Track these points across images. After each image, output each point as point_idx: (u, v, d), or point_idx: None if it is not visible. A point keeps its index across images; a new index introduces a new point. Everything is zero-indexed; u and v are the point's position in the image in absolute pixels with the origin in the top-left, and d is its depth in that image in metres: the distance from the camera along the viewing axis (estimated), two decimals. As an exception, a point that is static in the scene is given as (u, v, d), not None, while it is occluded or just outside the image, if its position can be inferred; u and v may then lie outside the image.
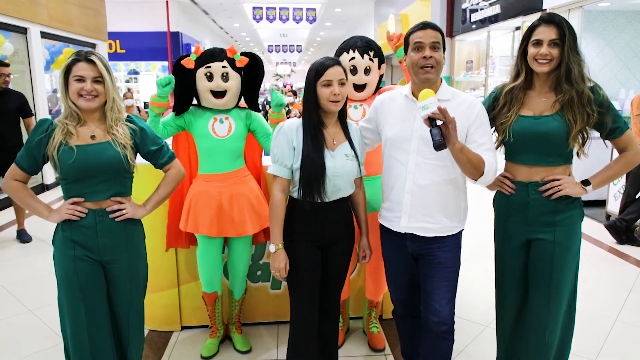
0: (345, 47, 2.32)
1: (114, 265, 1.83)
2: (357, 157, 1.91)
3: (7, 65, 4.33)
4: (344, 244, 1.99)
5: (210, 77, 2.25)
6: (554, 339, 1.89)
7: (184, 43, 13.05)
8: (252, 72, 2.37)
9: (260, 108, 2.48)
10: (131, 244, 1.86)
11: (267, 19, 13.89)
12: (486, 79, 7.89)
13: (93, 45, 8.13)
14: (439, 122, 1.61)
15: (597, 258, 3.98)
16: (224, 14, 15.29)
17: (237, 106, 2.39)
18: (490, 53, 7.81)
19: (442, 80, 1.84)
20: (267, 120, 2.48)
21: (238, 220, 2.31)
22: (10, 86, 4.54)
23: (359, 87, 2.33)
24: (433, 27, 1.76)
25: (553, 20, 1.74)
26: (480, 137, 1.75)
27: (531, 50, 1.78)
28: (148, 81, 12.52)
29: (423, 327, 1.90)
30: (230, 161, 2.34)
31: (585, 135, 1.78)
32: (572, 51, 1.73)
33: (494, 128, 1.90)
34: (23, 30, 6.16)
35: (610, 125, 1.78)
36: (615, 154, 1.88)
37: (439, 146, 1.60)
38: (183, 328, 2.79)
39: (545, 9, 5.85)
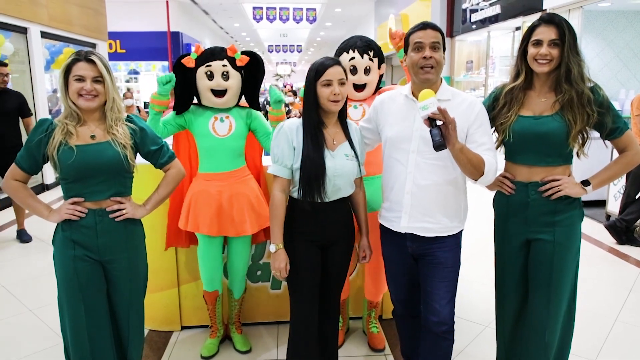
0: (345, 47, 2.32)
1: (114, 265, 1.83)
2: (357, 157, 1.91)
3: (6, 65, 4.32)
4: (344, 244, 1.99)
5: (210, 76, 2.25)
6: (554, 339, 1.89)
7: (184, 43, 13.05)
8: (252, 71, 2.37)
9: (261, 108, 2.48)
10: (131, 243, 1.87)
11: (267, 19, 13.89)
12: (486, 79, 7.89)
13: (93, 45, 8.14)
14: (438, 123, 1.61)
15: (597, 258, 3.98)
16: (224, 14, 15.29)
17: (237, 105, 2.40)
18: (491, 53, 7.81)
19: (442, 80, 1.84)
20: (267, 119, 2.48)
21: (238, 220, 2.31)
22: (10, 86, 4.54)
23: (359, 87, 2.33)
24: (433, 27, 1.76)
25: (553, 20, 1.74)
26: (481, 137, 1.75)
27: (531, 50, 1.78)
28: (148, 81, 12.52)
29: (423, 327, 1.90)
30: (231, 160, 2.34)
31: (585, 136, 1.78)
32: (572, 51, 1.73)
33: (493, 128, 1.90)
34: (23, 30, 6.16)
35: (610, 126, 1.78)
36: (615, 154, 1.88)
37: (438, 146, 1.60)
38: (183, 328, 2.79)
39: (546, 9, 5.85)
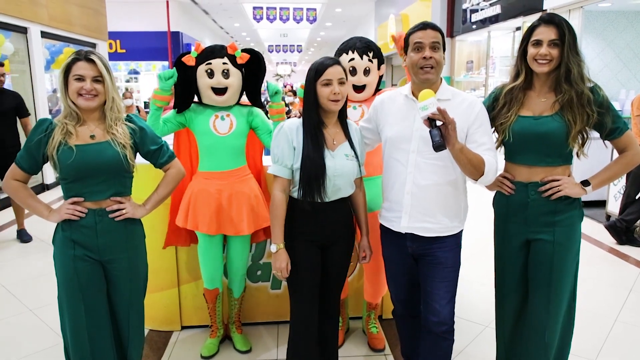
0: (344, 48, 2.32)
1: (114, 265, 1.83)
2: (357, 157, 1.91)
3: (2, 64, 4.32)
4: (344, 244, 1.99)
5: (211, 74, 2.25)
6: (554, 339, 1.89)
7: (184, 43, 13.05)
8: (253, 68, 2.37)
9: (262, 105, 2.48)
10: (131, 243, 1.87)
11: (268, 19, 13.88)
12: (486, 79, 7.88)
13: (93, 45, 8.14)
14: (438, 123, 1.61)
15: (597, 258, 3.98)
16: (224, 14, 15.28)
17: (238, 103, 2.39)
18: (491, 53, 7.80)
19: (442, 80, 1.84)
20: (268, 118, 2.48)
21: (236, 219, 2.31)
22: (10, 86, 4.54)
23: (359, 88, 2.32)
24: (433, 27, 1.76)
25: (553, 20, 1.74)
26: (481, 137, 1.75)
27: (531, 50, 1.78)
28: (148, 81, 12.53)
29: (423, 327, 1.90)
30: (231, 159, 2.34)
31: (585, 136, 1.78)
32: (572, 51, 1.73)
33: (493, 128, 1.90)
34: (23, 30, 6.15)
35: (610, 126, 1.78)
36: (615, 155, 1.88)
37: (438, 147, 1.60)
38: (183, 328, 2.79)
39: (546, 9, 5.85)
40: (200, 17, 15.29)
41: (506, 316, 2.02)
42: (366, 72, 2.30)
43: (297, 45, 22.23)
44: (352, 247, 2.04)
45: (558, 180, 1.79)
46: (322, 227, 1.90)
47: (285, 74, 26.30)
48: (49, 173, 6.47)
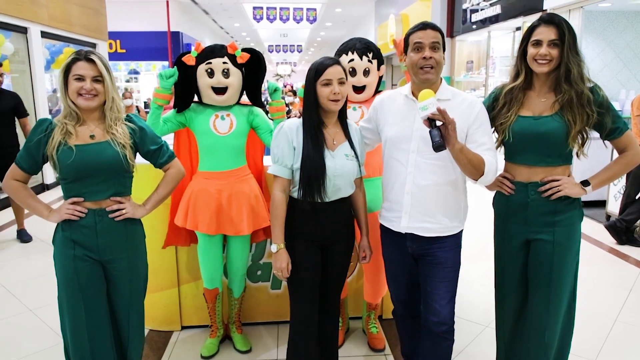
0: (344, 49, 2.32)
1: (114, 265, 1.83)
2: (357, 157, 1.91)
3: (0, 64, 4.32)
4: (344, 244, 1.99)
5: (211, 74, 2.25)
6: (554, 339, 1.89)
7: (184, 43, 13.05)
8: (253, 68, 2.37)
9: (263, 104, 2.48)
10: (131, 243, 1.87)
11: (268, 19, 13.88)
12: (486, 79, 7.88)
13: (93, 45, 8.14)
14: (438, 123, 1.61)
15: (597, 258, 3.98)
16: (224, 14, 15.29)
17: (238, 103, 2.39)
18: (491, 53, 7.80)
19: (442, 80, 1.84)
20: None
21: (236, 219, 2.31)
22: (8, 86, 4.54)
23: (358, 89, 2.32)
24: (433, 27, 1.76)
25: (553, 20, 1.74)
26: (481, 137, 1.75)
27: (531, 50, 1.78)
28: (148, 81, 12.53)
29: (423, 327, 1.90)
30: (231, 159, 2.34)
31: (585, 136, 1.78)
32: (572, 51, 1.73)
33: (493, 128, 1.90)
34: (23, 30, 6.16)
35: (610, 126, 1.78)
36: (615, 155, 1.88)
37: (438, 147, 1.60)
38: (183, 328, 2.79)
39: (546, 9, 5.85)
40: (200, 17, 15.30)
41: (506, 316, 2.02)
42: (366, 72, 2.30)
43: (297, 45, 22.23)
44: (352, 247, 2.04)
45: (558, 180, 1.79)
46: (322, 227, 1.90)
47: (285, 74, 26.31)
48: (49, 173, 6.47)
